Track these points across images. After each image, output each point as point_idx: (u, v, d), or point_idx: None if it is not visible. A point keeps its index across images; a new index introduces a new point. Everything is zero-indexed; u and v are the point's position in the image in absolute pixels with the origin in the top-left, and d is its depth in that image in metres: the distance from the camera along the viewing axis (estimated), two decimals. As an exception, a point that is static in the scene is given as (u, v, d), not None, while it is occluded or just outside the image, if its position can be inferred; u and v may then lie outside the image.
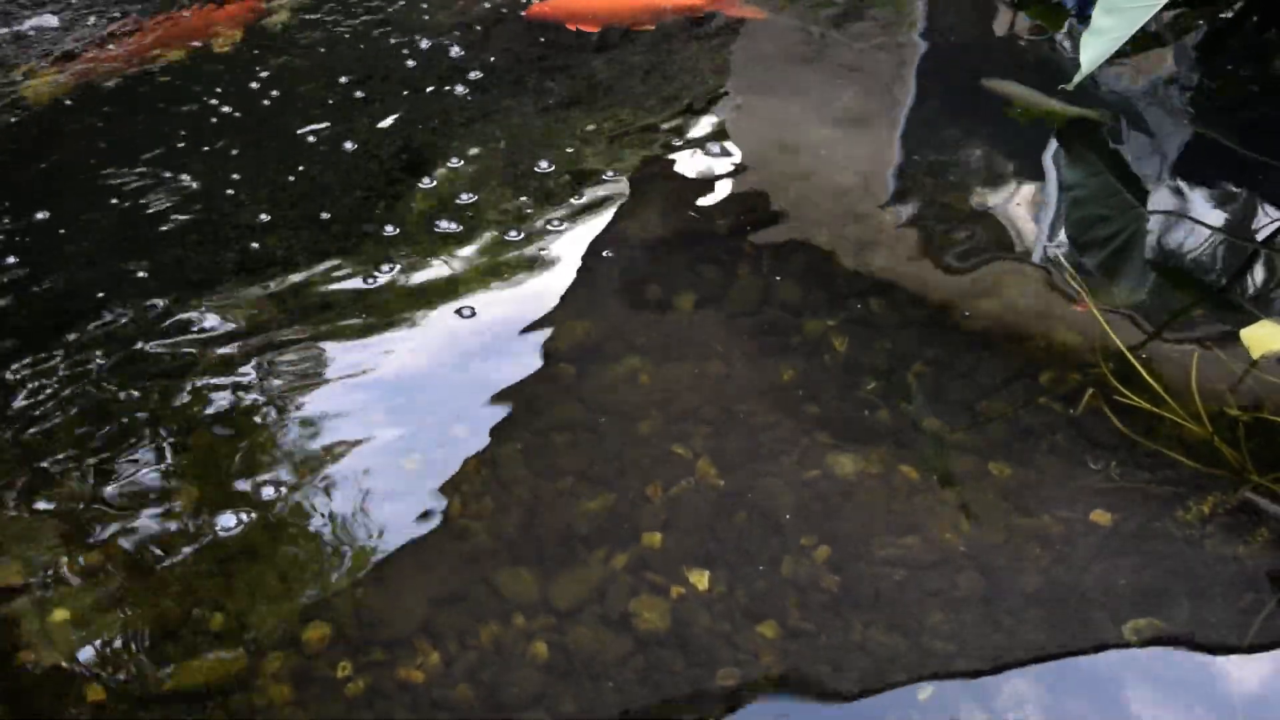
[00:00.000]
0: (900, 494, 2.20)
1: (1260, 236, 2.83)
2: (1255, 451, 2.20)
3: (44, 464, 2.30)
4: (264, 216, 2.97)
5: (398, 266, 2.78)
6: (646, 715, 1.89)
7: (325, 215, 2.96)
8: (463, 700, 1.92)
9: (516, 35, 3.80)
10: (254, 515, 2.20)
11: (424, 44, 3.72)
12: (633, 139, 3.25)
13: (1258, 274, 2.69)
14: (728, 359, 2.50)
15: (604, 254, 2.81)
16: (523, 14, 3.92)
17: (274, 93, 3.48)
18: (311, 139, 3.26)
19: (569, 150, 3.19)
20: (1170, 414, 2.26)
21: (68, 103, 3.44)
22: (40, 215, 2.97)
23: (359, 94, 3.47)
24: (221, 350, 2.56)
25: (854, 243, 2.82)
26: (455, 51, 3.68)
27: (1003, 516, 2.15)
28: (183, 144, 3.25)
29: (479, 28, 3.84)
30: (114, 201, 3.02)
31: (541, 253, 2.83)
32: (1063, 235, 2.83)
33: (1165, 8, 2.76)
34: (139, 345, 2.57)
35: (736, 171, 3.11)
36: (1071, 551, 2.09)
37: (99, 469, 2.29)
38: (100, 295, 2.70)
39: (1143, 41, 3.42)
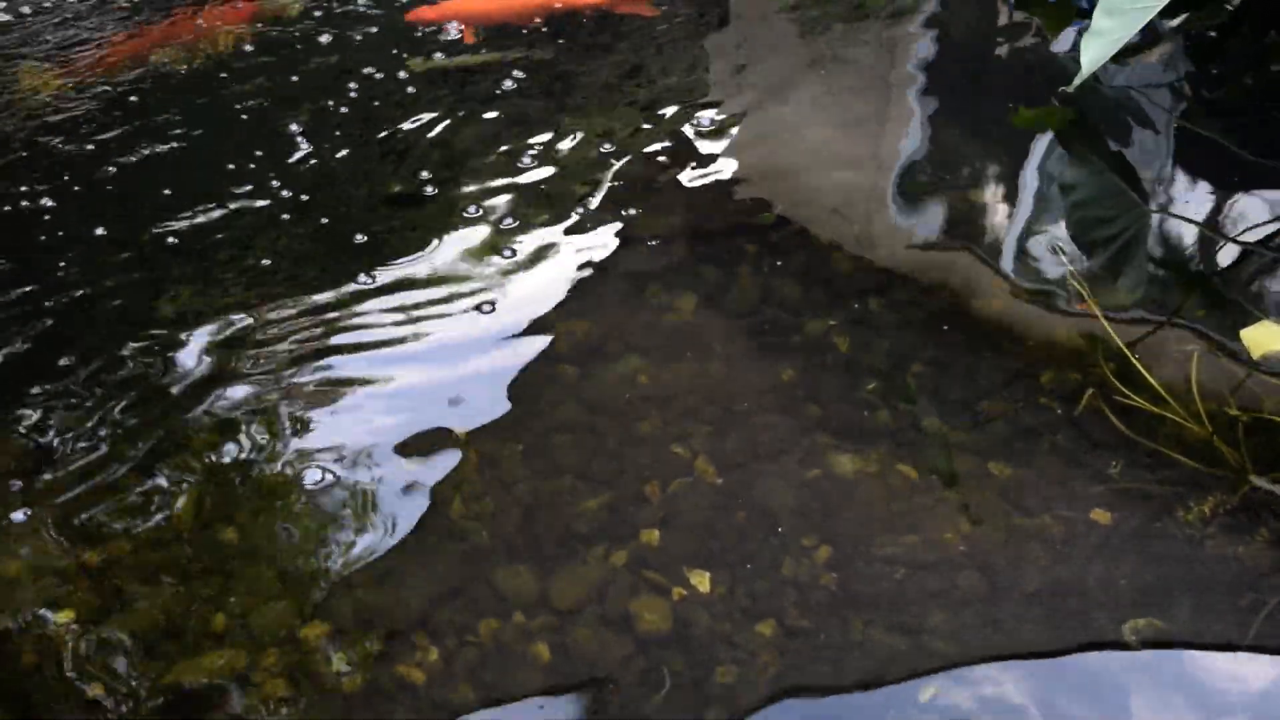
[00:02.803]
0: (900, 494, 2.20)
1: (1258, 238, 2.83)
2: (1255, 451, 2.20)
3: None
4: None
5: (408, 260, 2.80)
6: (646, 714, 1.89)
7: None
8: (462, 698, 1.92)
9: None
10: (256, 514, 2.20)
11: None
12: (630, 137, 3.25)
13: (1257, 275, 2.68)
14: (727, 358, 2.50)
15: (604, 254, 2.81)
16: (405, 17, 3.74)
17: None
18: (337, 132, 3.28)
19: (568, 149, 3.20)
20: (1170, 414, 2.26)
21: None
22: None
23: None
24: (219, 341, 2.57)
25: (854, 241, 2.82)
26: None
27: (1003, 516, 2.15)
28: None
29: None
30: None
31: (542, 252, 2.83)
32: (1065, 234, 2.83)
33: (1167, 8, 2.75)
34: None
35: (734, 170, 3.11)
36: (1072, 551, 2.08)
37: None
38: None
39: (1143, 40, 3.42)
